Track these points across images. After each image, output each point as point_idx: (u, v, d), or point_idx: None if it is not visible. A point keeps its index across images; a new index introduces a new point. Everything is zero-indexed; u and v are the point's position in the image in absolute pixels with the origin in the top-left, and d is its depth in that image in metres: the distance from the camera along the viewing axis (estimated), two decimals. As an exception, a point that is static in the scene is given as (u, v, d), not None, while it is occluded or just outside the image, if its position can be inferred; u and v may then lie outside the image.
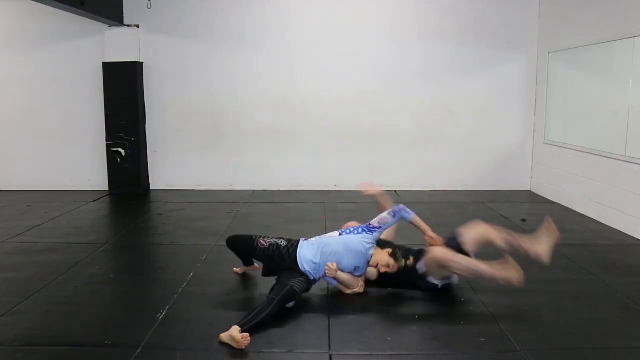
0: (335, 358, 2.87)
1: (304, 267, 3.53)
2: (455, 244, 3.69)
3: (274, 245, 3.62)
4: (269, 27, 7.36)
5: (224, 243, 4.93)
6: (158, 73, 7.47)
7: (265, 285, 3.88)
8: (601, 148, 5.76)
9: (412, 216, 3.67)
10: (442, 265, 3.50)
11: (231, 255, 4.58)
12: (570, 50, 6.42)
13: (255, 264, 4.02)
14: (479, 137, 7.56)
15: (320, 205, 6.60)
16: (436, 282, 3.66)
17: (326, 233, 3.85)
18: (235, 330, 2.95)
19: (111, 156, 7.43)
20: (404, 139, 7.55)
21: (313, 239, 3.71)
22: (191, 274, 4.11)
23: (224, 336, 2.98)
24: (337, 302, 3.59)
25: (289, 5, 7.35)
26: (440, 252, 3.52)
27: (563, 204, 6.57)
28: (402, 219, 3.68)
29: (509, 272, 3.44)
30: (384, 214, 3.65)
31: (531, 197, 7.21)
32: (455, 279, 3.71)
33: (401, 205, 3.66)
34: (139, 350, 2.91)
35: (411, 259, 3.66)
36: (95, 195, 7.28)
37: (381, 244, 3.69)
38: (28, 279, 4.00)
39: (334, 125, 7.52)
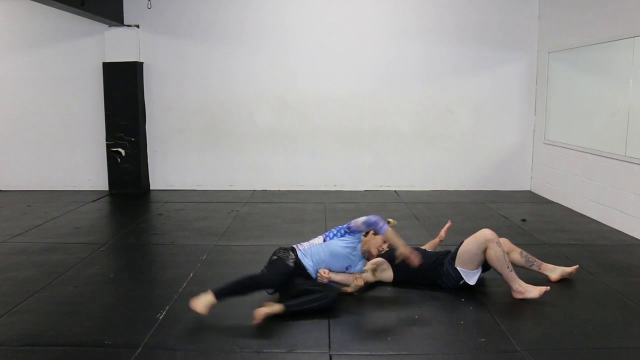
0: (335, 358, 2.87)
1: (313, 274, 3.60)
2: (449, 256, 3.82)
3: (289, 268, 3.53)
4: (269, 27, 7.36)
5: (224, 243, 4.97)
6: (158, 73, 7.48)
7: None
8: (601, 148, 5.76)
9: (384, 231, 3.46)
10: (484, 246, 3.57)
11: (231, 255, 4.61)
12: (570, 50, 6.42)
13: None
14: (478, 137, 7.56)
15: (320, 205, 6.60)
16: (462, 274, 3.68)
17: (319, 235, 3.81)
18: (278, 307, 3.20)
19: (111, 156, 7.44)
20: (404, 139, 7.55)
21: (303, 246, 3.70)
22: (191, 274, 4.11)
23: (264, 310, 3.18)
24: (337, 302, 3.58)
25: (289, 5, 7.35)
26: (490, 231, 3.63)
27: (563, 204, 6.58)
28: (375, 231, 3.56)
29: (528, 288, 3.57)
30: (359, 222, 3.52)
31: (531, 197, 7.21)
32: (475, 278, 3.72)
33: (376, 218, 3.48)
34: (139, 350, 2.91)
35: (392, 221, 3.69)
36: (95, 195, 7.29)
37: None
38: (28, 279, 4.00)
39: (334, 125, 7.53)
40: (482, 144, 7.58)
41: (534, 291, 3.55)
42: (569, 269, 3.95)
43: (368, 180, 7.66)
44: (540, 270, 3.91)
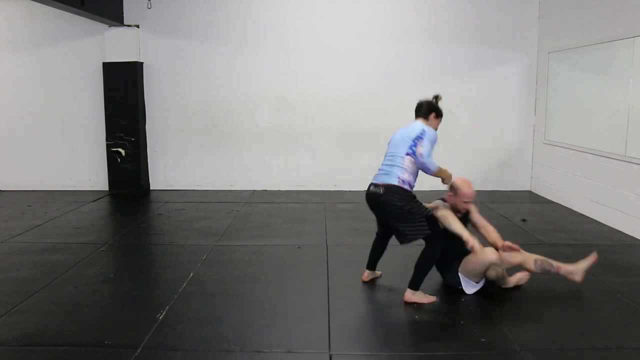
0: (335, 358, 2.87)
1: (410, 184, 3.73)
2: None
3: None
4: (269, 27, 7.36)
5: (224, 243, 4.97)
6: (158, 73, 7.48)
7: (264, 283, 3.89)
8: (601, 148, 5.76)
9: (435, 169, 3.71)
10: (485, 267, 3.55)
11: (231, 255, 4.61)
12: (570, 50, 6.42)
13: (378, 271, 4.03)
14: (479, 137, 7.56)
15: (320, 205, 6.60)
16: (462, 282, 3.66)
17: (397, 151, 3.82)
18: (419, 294, 3.50)
19: (111, 156, 7.44)
20: (404, 139, 7.54)
21: (409, 178, 3.76)
22: (191, 274, 4.11)
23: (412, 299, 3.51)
24: (337, 302, 3.59)
25: (289, 5, 7.35)
26: (490, 254, 3.51)
27: (563, 204, 6.58)
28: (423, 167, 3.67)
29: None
30: (419, 150, 3.58)
31: (531, 197, 7.21)
32: (473, 290, 3.67)
33: (428, 164, 3.64)
34: (139, 350, 2.91)
35: (439, 96, 3.84)
36: (95, 195, 7.29)
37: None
38: (28, 279, 4.00)
39: (334, 125, 7.52)
40: (482, 144, 7.58)
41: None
42: (588, 263, 3.78)
43: (368, 180, 7.57)
44: (561, 273, 3.73)
